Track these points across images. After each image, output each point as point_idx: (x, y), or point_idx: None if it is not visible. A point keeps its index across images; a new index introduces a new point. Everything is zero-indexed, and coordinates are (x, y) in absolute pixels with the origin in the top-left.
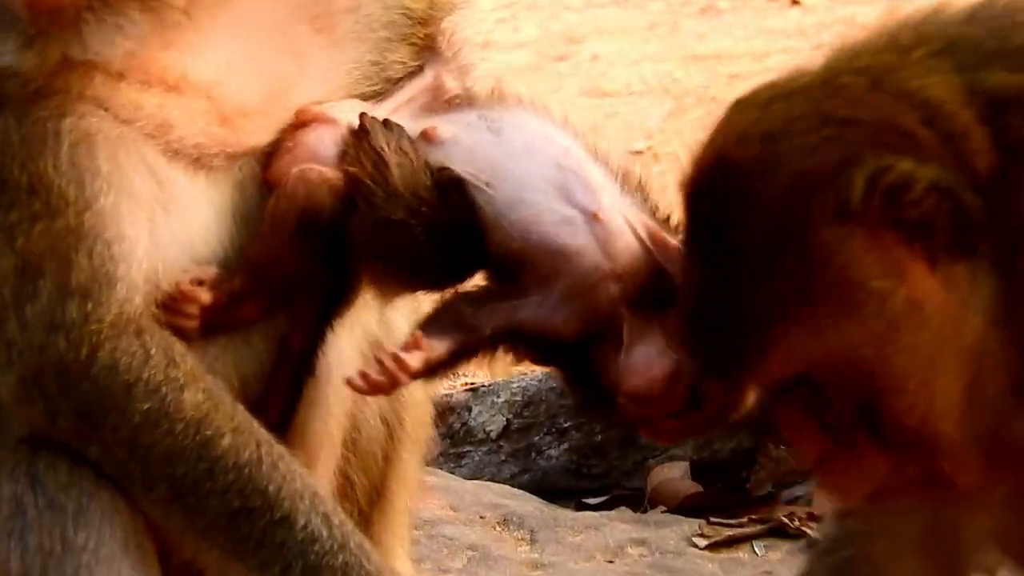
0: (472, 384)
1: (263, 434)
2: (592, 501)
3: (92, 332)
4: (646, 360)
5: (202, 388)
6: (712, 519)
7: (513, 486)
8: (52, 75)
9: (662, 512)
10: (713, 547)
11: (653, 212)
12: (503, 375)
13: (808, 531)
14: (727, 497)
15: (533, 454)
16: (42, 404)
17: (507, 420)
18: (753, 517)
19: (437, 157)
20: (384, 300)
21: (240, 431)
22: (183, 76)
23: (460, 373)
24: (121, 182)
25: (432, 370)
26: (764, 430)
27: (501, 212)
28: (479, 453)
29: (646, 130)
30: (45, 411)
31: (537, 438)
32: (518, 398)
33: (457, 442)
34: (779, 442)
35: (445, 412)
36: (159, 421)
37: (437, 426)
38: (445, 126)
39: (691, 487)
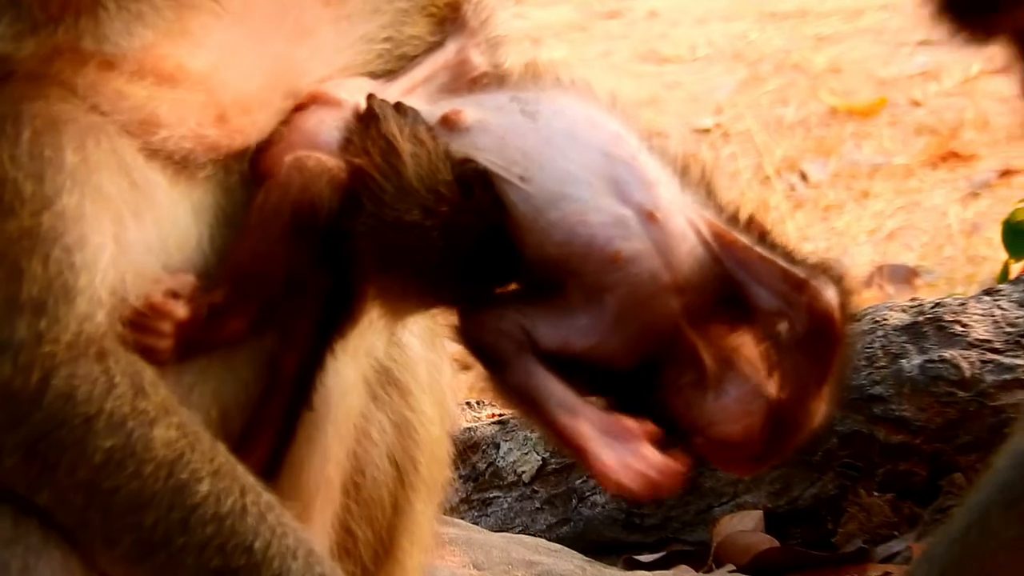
0: (500, 416)
1: (248, 479)
2: (645, 558)
3: (45, 355)
4: (743, 403)
5: (176, 423)
6: None
7: (550, 539)
8: (41, 61)
9: (730, 572)
10: None
11: (719, 210)
12: None
13: None
14: (809, 553)
15: (574, 500)
16: None
17: (543, 459)
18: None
19: (461, 146)
20: (394, 318)
21: (221, 475)
22: (179, 65)
23: (486, 402)
24: (88, 179)
25: None
26: (853, 472)
27: (538, 211)
28: (509, 499)
29: (714, 103)
30: None
31: (579, 481)
32: None
33: (482, 486)
34: (872, 486)
35: (468, 449)
36: (124, 461)
37: (458, 467)
38: (471, 109)
39: (765, 541)
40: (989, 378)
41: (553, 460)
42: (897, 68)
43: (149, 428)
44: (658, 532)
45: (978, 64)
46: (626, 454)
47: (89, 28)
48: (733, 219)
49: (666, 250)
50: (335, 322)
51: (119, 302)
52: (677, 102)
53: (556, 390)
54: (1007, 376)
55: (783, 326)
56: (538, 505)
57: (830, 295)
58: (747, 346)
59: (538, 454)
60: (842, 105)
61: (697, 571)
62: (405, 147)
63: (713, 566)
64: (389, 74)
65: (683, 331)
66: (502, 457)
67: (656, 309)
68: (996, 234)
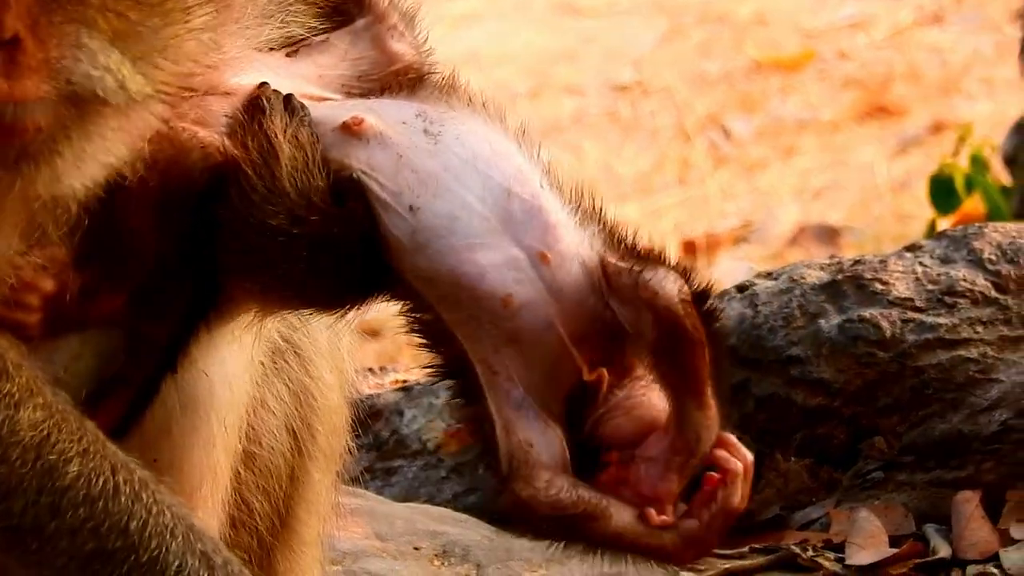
0: (404, 381)
1: (119, 457)
2: None
3: None
4: (631, 402)
5: (41, 404)
6: None
7: (456, 509)
8: None
9: None
10: None
11: (616, 243)
12: None
13: (824, 562)
14: None
15: (481, 468)
16: None
17: (448, 426)
18: (756, 546)
19: (355, 157)
20: (264, 314)
21: (90, 455)
22: None
23: (389, 368)
24: None
25: None
26: (770, 436)
27: (424, 241)
28: (413, 468)
29: (634, 58)
30: None
31: None
32: None
33: (386, 455)
34: (789, 451)
35: (371, 417)
36: None
37: (360, 435)
38: (372, 119)
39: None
40: (910, 338)
41: (458, 427)
42: (825, 19)
43: (14, 411)
44: None
45: (909, 14)
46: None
47: None
48: (615, 245)
49: (560, 295)
50: (210, 302)
51: None
52: (595, 57)
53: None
54: (929, 336)
55: (641, 339)
56: (444, 474)
57: (668, 286)
58: (639, 381)
59: (443, 421)
60: (767, 58)
61: None
62: (284, 148)
63: None
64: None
65: (582, 379)
66: (406, 425)
67: (559, 360)
68: (925, 191)
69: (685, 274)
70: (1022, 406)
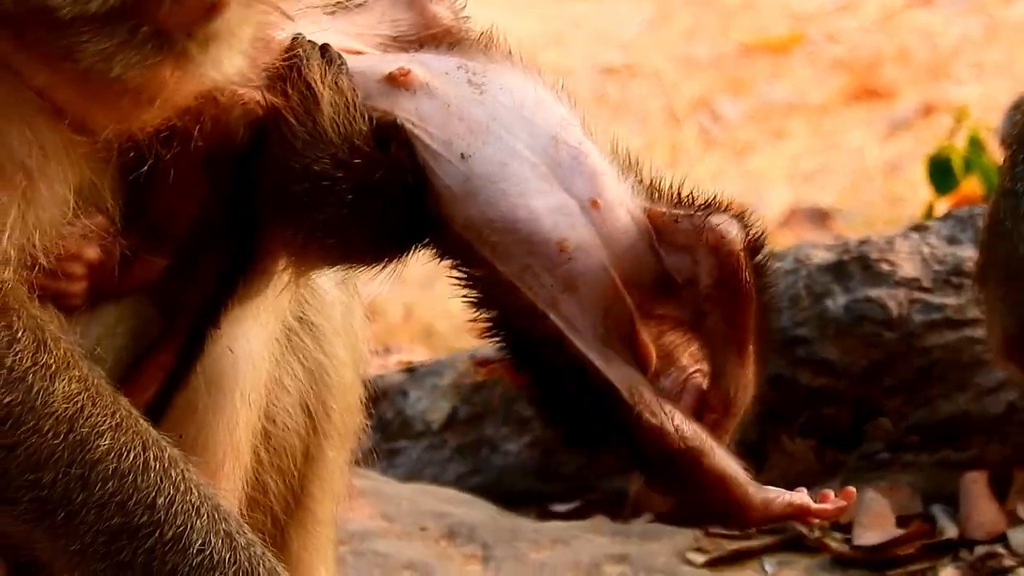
0: (409, 363)
1: (152, 433)
2: (560, 508)
3: None
4: (674, 395)
5: (77, 376)
6: (711, 530)
7: (461, 490)
8: None
9: (648, 521)
10: (712, 564)
11: (650, 191)
12: (447, 350)
13: (831, 543)
14: None
15: (485, 450)
16: None
17: (453, 407)
18: (762, 527)
19: (402, 107)
20: (298, 272)
21: (123, 429)
22: None
23: (393, 349)
24: None
25: None
26: (775, 417)
27: (475, 189)
28: (418, 449)
29: (622, 41)
30: None
31: (491, 430)
32: (467, 380)
33: (391, 436)
34: (794, 432)
35: (375, 398)
36: (23, 417)
37: (366, 416)
38: (418, 70)
39: None
40: (917, 318)
41: (464, 408)
42: (814, 2)
43: (50, 382)
44: (573, 481)
45: None
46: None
47: None
48: (658, 196)
49: (610, 241)
50: (243, 268)
51: (26, 258)
52: (583, 40)
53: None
54: (935, 316)
55: (692, 288)
56: (448, 455)
57: (733, 231)
58: (678, 343)
59: (448, 402)
60: (756, 41)
61: (614, 521)
62: (324, 93)
63: (631, 515)
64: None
65: (636, 329)
66: (411, 406)
67: (614, 306)
68: (916, 174)
69: (744, 221)
70: None
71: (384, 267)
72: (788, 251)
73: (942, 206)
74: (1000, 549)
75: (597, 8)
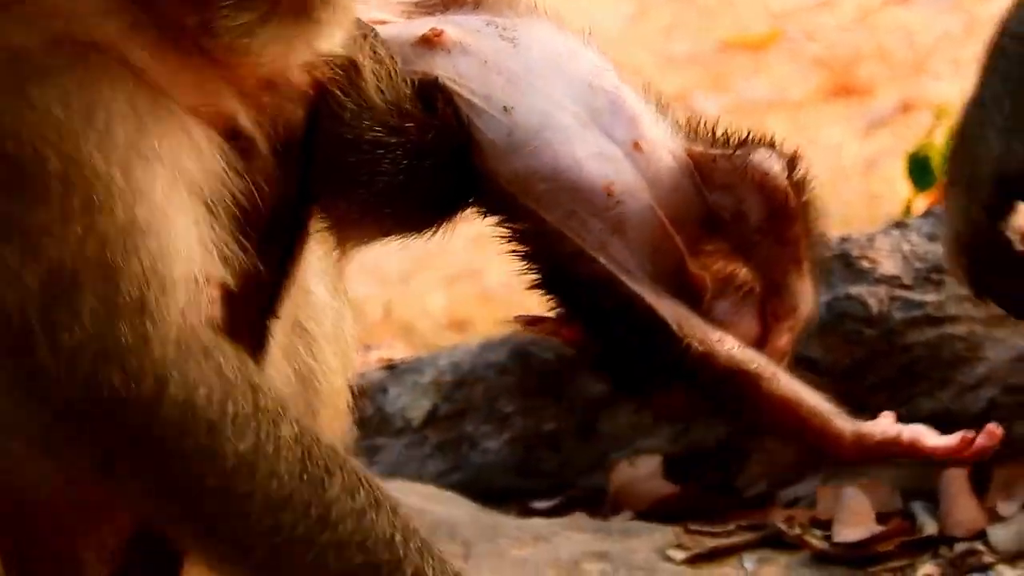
0: (389, 360)
1: (367, 473)
2: (540, 505)
3: (156, 358)
4: (732, 317)
5: (294, 417)
6: (691, 526)
7: (441, 487)
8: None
9: (628, 519)
10: (693, 561)
11: (687, 132)
12: (429, 349)
13: (811, 540)
14: (710, 499)
15: (465, 446)
16: (87, 451)
17: (433, 404)
18: (742, 523)
19: (439, 67)
20: (343, 247)
21: (347, 469)
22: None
23: (372, 346)
24: (173, 160)
25: None
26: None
27: (520, 142)
28: (398, 446)
29: (602, 39)
30: (92, 461)
31: (471, 427)
32: (447, 377)
33: (370, 432)
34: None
35: (355, 395)
36: (257, 463)
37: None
38: (451, 29)
39: (665, 487)
40: (898, 315)
41: (444, 405)
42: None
43: (274, 426)
44: (553, 478)
45: None
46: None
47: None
48: (695, 136)
49: (655, 182)
50: (295, 253)
51: (207, 284)
52: None
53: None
54: (917, 313)
55: (741, 224)
56: (428, 452)
57: (775, 166)
58: (731, 267)
59: (428, 399)
60: (734, 38)
61: (594, 518)
62: (364, 63)
63: (611, 512)
64: None
65: (686, 265)
66: (390, 403)
67: (662, 245)
68: (895, 171)
69: (779, 149)
70: (1009, 383)
71: (434, 232)
72: None
73: (920, 203)
74: (980, 546)
75: (577, 5)
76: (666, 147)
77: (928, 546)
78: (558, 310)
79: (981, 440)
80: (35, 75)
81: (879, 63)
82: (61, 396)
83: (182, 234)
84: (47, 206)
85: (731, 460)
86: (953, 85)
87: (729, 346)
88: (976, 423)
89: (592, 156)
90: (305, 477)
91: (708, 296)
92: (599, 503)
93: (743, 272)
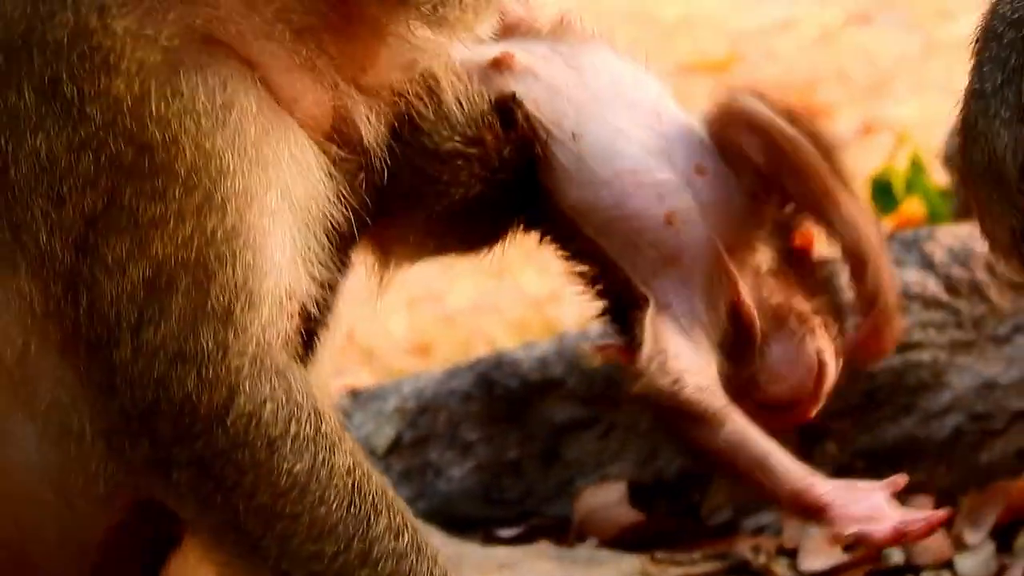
0: (353, 386)
1: (413, 518)
2: (505, 533)
3: (231, 369)
4: (788, 362)
5: (349, 450)
6: (657, 555)
7: None
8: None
9: (594, 546)
10: None
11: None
12: (392, 375)
13: (776, 568)
14: (676, 526)
15: (430, 474)
16: (147, 450)
17: (397, 432)
18: (708, 552)
19: (514, 89)
20: (389, 264)
21: (395, 509)
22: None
23: (336, 373)
24: (285, 173)
25: None
26: None
27: (588, 169)
28: None
29: None
30: (150, 460)
31: (435, 454)
32: (411, 404)
33: None
34: None
35: None
36: (309, 486)
37: None
38: (520, 54)
39: (630, 515)
40: None
41: (408, 432)
42: (752, 21)
43: (330, 453)
44: (518, 506)
45: (837, 15)
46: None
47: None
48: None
49: (714, 204)
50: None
51: (290, 302)
52: None
53: (774, 451)
54: None
55: (757, 166)
56: (393, 479)
57: (754, 105)
58: (796, 299)
59: (392, 427)
60: (694, 61)
61: (559, 546)
62: (443, 75)
63: (576, 540)
64: None
65: (739, 298)
66: (355, 429)
67: (716, 274)
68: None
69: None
70: (974, 411)
71: (490, 250)
72: None
73: (883, 226)
74: (946, 574)
75: None
76: (720, 163)
77: (895, 575)
78: (624, 336)
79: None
80: (183, 69)
81: (839, 85)
82: (132, 395)
83: (277, 250)
84: (166, 201)
85: (696, 487)
86: (914, 107)
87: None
88: (941, 451)
89: (656, 185)
90: (352, 510)
91: (758, 333)
92: (564, 531)
93: (797, 301)
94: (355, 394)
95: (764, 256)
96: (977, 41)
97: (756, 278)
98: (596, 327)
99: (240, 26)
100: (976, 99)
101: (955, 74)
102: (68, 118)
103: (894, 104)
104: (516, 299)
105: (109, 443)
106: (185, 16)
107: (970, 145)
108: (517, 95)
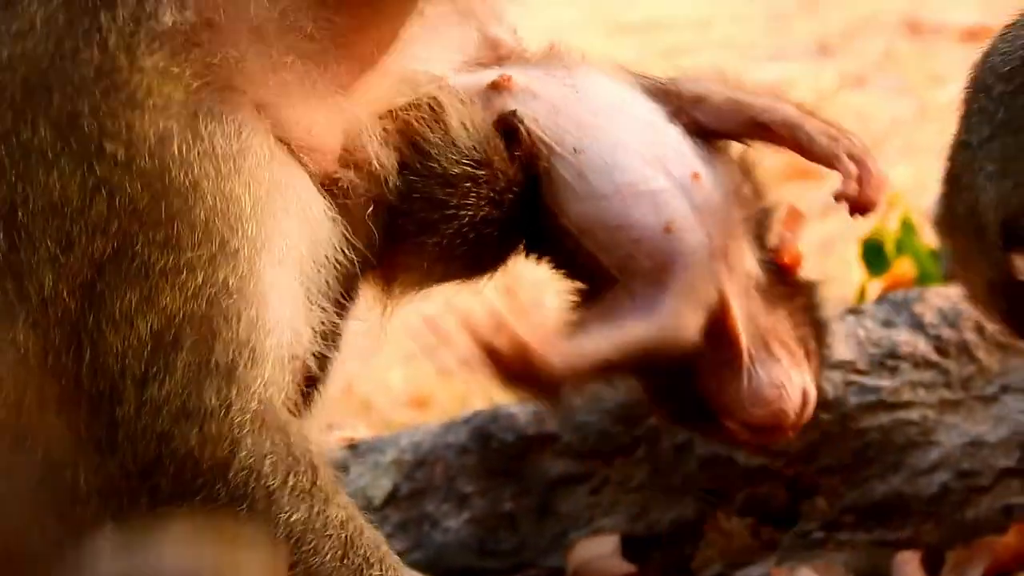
0: (351, 438)
1: (405, 569)
2: None
3: (235, 425)
4: (773, 386)
5: (343, 504)
6: None
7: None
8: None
9: None
10: None
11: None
12: (390, 428)
13: None
14: None
15: (426, 526)
16: (147, 502)
17: (394, 484)
18: None
19: (515, 109)
20: (394, 296)
21: (387, 565)
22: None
23: (335, 425)
24: (288, 221)
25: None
26: (712, 496)
27: (590, 184)
28: None
29: None
30: (151, 511)
31: (431, 506)
32: (408, 456)
33: None
34: (731, 511)
35: None
36: (305, 536)
37: None
38: (517, 75)
39: (623, 567)
40: (852, 400)
41: (405, 484)
42: (747, 82)
43: (325, 505)
44: (513, 557)
45: (832, 78)
46: None
47: None
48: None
49: (711, 210)
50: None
51: (292, 361)
52: None
53: None
54: (871, 398)
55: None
56: (389, 531)
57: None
58: (782, 322)
59: (389, 479)
60: None
61: None
62: (446, 100)
63: None
64: None
65: (727, 304)
66: (352, 481)
67: (708, 281)
68: (849, 253)
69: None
70: (962, 468)
71: (492, 276)
72: None
73: (874, 288)
74: None
75: None
76: (714, 174)
77: None
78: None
79: None
80: (203, 111)
81: None
82: (134, 450)
83: (282, 304)
84: (179, 250)
85: (688, 541)
86: (906, 169)
87: None
88: (928, 507)
89: (655, 194)
90: (345, 561)
91: (744, 351)
92: None
93: (783, 327)
94: (353, 446)
95: (753, 277)
96: (967, 91)
97: (745, 297)
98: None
99: (253, 64)
100: (962, 150)
101: (946, 138)
102: (85, 156)
103: (886, 166)
104: None
105: (106, 502)
106: (206, 55)
107: (953, 195)
108: (519, 112)
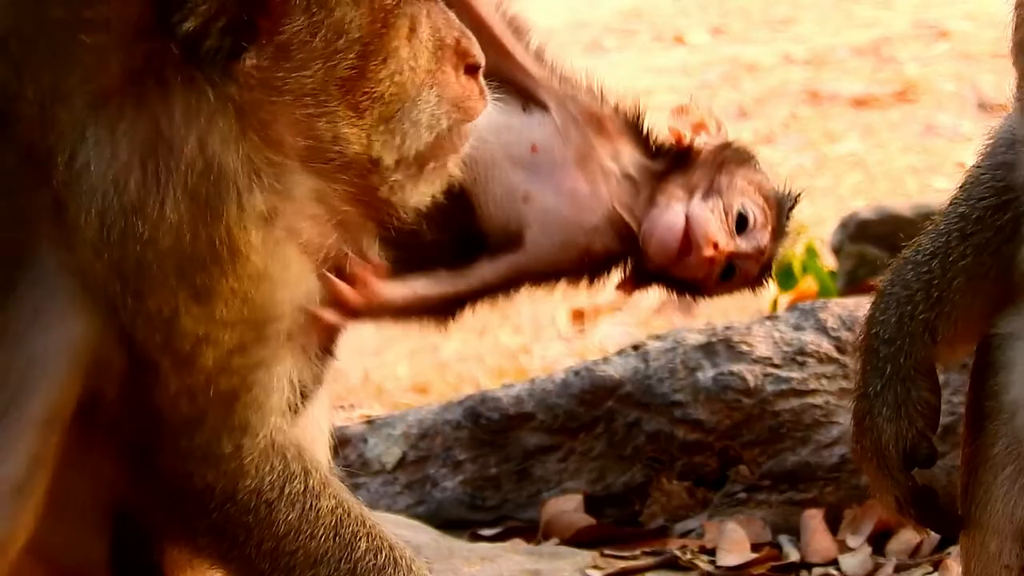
0: (368, 416)
1: (393, 538)
2: (486, 532)
3: (244, 463)
4: (658, 224)
5: (332, 494)
6: (605, 551)
7: (408, 517)
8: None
9: (556, 544)
10: None
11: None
12: (399, 408)
13: (700, 564)
14: (620, 530)
15: (428, 486)
16: (179, 519)
17: (403, 452)
18: (646, 550)
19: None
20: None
21: (372, 535)
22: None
23: (355, 405)
24: (297, 305)
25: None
26: (657, 464)
27: (477, 177)
28: (375, 484)
29: None
30: (182, 525)
31: (432, 470)
32: (414, 430)
33: (353, 473)
34: (672, 476)
35: (341, 443)
36: (302, 527)
37: (333, 457)
38: None
39: (585, 520)
40: (769, 388)
41: (411, 452)
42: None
43: (317, 500)
44: (497, 511)
45: (748, 135)
46: None
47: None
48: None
49: (559, 157)
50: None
51: (289, 412)
52: None
53: None
54: (783, 387)
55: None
56: (399, 489)
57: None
58: (664, 182)
59: (399, 448)
60: None
61: (528, 543)
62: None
63: (542, 539)
64: None
65: (613, 205)
66: (369, 450)
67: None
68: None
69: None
70: None
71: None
72: (668, 334)
73: (783, 300)
74: (833, 571)
75: None
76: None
77: (792, 570)
78: None
79: None
80: (238, 191)
81: None
82: (166, 485)
83: (285, 368)
84: (219, 327)
85: (637, 500)
86: (808, 208)
87: None
88: (830, 474)
89: (516, 185)
90: (337, 539)
91: (635, 224)
92: (533, 532)
93: (666, 183)
94: (370, 422)
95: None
96: (859, 353)
97: (618, 184)
98: (559, 373)
99: (311, 231)
100: (862, 400)
101: (840, 182)
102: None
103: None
104: (495, 350)
105: (147, 517)
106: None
107: (860, 434)
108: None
